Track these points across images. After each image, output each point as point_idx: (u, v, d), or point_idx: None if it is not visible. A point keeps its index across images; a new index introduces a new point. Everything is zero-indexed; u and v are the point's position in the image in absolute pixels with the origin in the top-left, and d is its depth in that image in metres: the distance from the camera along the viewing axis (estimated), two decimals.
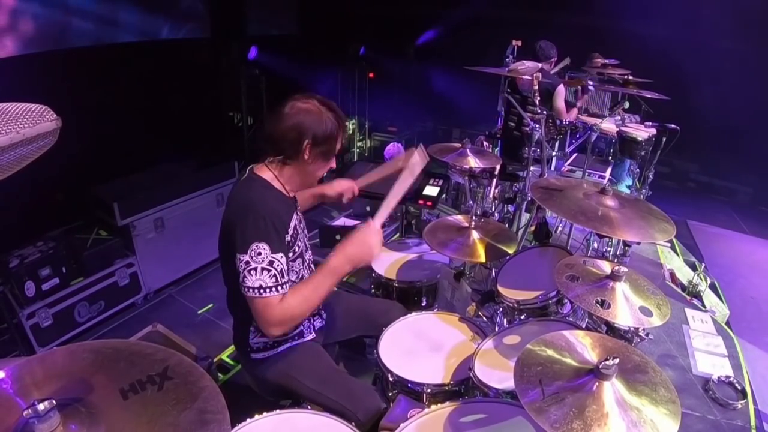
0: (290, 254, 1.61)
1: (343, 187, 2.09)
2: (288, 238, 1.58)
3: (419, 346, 1.79)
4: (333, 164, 1.68)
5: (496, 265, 2.09)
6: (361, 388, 1.67)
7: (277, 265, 1.48)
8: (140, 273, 3.72)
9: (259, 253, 1.45)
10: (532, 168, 2.75)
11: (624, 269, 1.46)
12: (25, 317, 3.06)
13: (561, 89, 3.83)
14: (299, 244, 1.66)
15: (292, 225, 1.62)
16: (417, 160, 1.72)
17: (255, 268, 1.45)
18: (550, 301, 1.79)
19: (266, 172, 1.62)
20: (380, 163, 4.45)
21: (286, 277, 1.51)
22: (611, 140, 4.04)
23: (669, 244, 3.91)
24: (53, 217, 3.62)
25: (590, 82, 3.81)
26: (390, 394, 1.65)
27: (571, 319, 1.81)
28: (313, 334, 1.81)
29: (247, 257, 1.45)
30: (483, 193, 2.77)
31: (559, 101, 3.84)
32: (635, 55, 4.63)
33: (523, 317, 1.82)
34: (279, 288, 1.48)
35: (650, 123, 3.44)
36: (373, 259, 1.59)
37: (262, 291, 1.45)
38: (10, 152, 0.80)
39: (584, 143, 3.53)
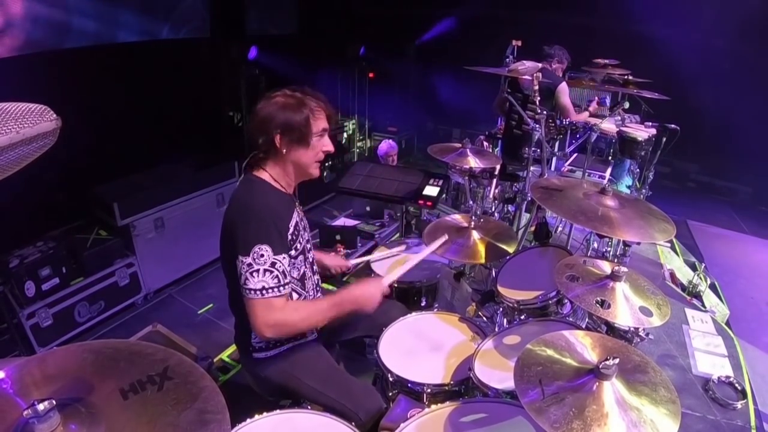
0: (292, 252, 1.61)
1: (336, 262, 2.08)
2: (289, 236, 1.58)
3: (419, 346, 1.79)
4: (329, 147, 1.64)
5: (496, 265, 2.09)
6: (362, 388, 1.67)
7: (279, 266, 1.49)
8: (140, 273, 3.72)
9: (262, 255, 1.46)
10: (532, 168, 2.75)
11: (624, 269, 1.46)
12: (25, 317, 3.05)
13: (564, 87, 3.82)
14: (300, 241, 1.66)
15: (292, 223, 1.62)
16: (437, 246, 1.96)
17: (257, 270, 1.45)
18: (550, 301, 1.79)
19: (262, 172, 1.62)
20: (380, 162, 4.46)
21: (288, 278, 1.52)
22: (611, 140, 4.05)
23: (669, 244, 3.91)
24: (53, 217, 3.62)
25: (605, 97, 3.82)
26: (390, 394, 1.65)
27: (571, 319, 1.81)
28: (315, 334, 1.81)
29: (249, 259, 1.45)
30: (483, 193, 2.77)
31: (564, 98, 3.83)
32: (635, 55, 4.64)
33: (523, 317, 1.82)
34: (281, 288, 1.48)
35: (650, 123, 3.44)
36: (371, 311, 1.67)
37: (264, 292, 1.45)
38: (10, 152, 0.80)
39: (584, 143, 3.53)
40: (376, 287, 1.66)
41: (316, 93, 1.62)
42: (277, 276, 1.48)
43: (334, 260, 2.08)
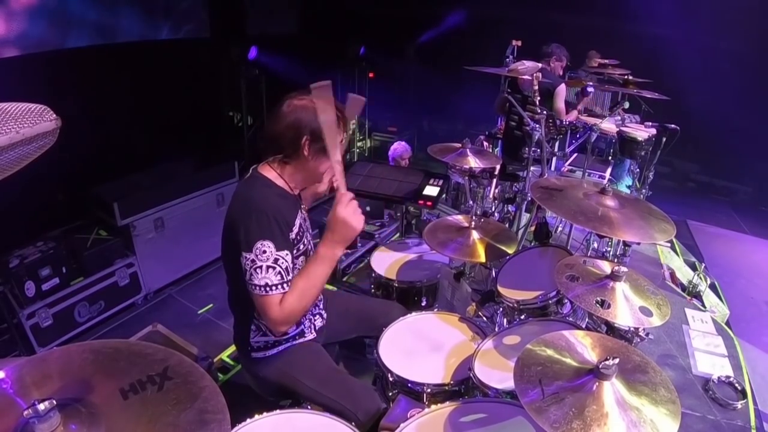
0: (295, 251, 1.60)
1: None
2: (293, 235, 1.58)
3: (419, 346, 1.79)
4: (339, 157, 1.65)
5: (496, 265, 2.09)
6: (361, 388, 1.67)
7: (282, 263, 1.48)
8: (140, 273, 3.72)
9: (264, 251, 1.46)
10: (532, 168, 2.75)
11: (624, 269, 1.46)
12: (25, 317, 3.06)
13: (562, 89, 3.83)
14: (304, 242, 1.66)
15: (297, 223, 1.61)
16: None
17: (261, 267, 1.45)
18: (550, 301, 1.79)
19: (269, 171, 1.61)
20: (381, 162, 4.46)
21: (291, 275, 1.51)
22: (611, 140, 4.04)
23: (669, 244, 3.91)
24: (53, 217, 3.63)
25: (590, 85, 3.78)
26: (390, 394, 1.65)
27: (571, 319, 1.81)
28: (314, 333, 1.81)
29: (252, 256, 1.45)
30: (483, 193, 2.77)
31: (559, 101, 3.83)
32: (635, 55, 4.64)
33: (523, 317, 1.82)
34: (285, 285, 1.48)
35: (650, 123, 3.43)
36: (360, 228, 1.52)
37: (268, 289, 1.45)
38: (9, 152, 0.80)
39: (584, 143, 3.53)
40: (340, 211, 1.49)
41: (338, 104, 1.60)
42: (280, 272, 1.47)
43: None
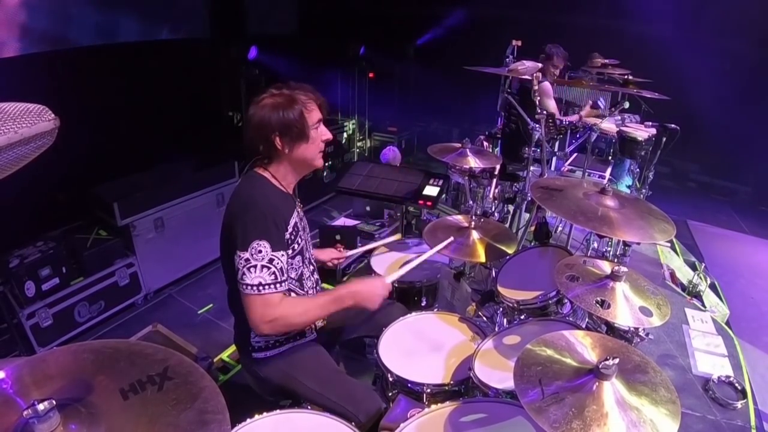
0: (290, 251, 1.61)
1: (331, 255, 2.11)
2: (288, 235, 1.59)
3: (419, 346, 1.79)
4: (328, 135, 1.66)
5: (496, 265, 2.09)
6: (362, 389, 1.67)
7: (277, 263, 1.49)
8: (140, 273, 3.72)
9: (260, 251, 1.46)
10: (532, 168, 2.76)
11: (624, 269, 1.46)
12: (25, 317, 3.05)
13: (546, 87, 3.70)
14: (299, 241, 1.67)
15: (292, 222, 1.62)
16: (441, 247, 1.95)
17: (255, 266, 1.45)
18: (550, 301, 1.79)
19: (263, 171, 1.63)
20: (380, 162, 4.46)
21: (285, 275, 1.52)
22: (611, 140, 4.04)
23: (669, 244, 3.91)
24: (53, 217, 3.62)
25: (601, 100, 3.72)
26: (390, 394, 1.65)
27: (571, 319, 1.81)
28: (314, 334, 1.81)
29: (247, 254, 1.46)
30: (483, 193, 2.77)
31: (546, 100, 3.74)
32: (635, 55, 4.64)
33: (523, 317, 1.82)
34: (278, 285, 1.48)
35: (650, 123, 3.43)
36: (373, 308, 1.68)
37: (261, 288, 1.45)
38: (8, 152, 0.80)
39: (584, 143, 3.53)
40: (378, 284, 1.67)
41: (301, 85, 1.62)
42: (274, 272, 1.47)
43: (328, 254, 2.09)
